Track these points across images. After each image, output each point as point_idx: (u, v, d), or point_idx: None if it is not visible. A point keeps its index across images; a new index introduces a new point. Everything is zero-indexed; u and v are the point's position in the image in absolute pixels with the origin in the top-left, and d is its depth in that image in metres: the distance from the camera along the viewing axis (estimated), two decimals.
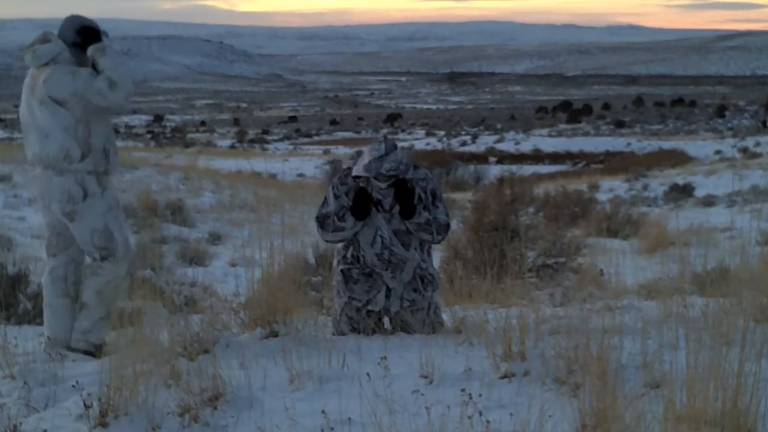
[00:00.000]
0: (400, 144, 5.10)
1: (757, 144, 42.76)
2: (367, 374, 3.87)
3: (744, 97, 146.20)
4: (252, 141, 73.70)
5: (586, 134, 68.63)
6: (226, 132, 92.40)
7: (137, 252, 5.18)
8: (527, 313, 4.51)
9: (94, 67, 4.67)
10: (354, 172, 4.90)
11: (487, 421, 3.18)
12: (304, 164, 40.47)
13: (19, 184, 14.54)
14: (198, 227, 13.16)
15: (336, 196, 4.96)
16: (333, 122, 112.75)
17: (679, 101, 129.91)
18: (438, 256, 8.81)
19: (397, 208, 4.90)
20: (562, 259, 8.26)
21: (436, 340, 4.65)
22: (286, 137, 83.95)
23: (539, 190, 15.47)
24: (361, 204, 4.87)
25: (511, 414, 3.32)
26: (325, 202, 4.99)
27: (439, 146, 58.05)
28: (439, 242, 5.08)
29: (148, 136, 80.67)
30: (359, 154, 5.05)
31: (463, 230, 8.68)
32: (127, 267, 4.84)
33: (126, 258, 4.80)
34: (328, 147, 59.60)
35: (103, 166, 4.73)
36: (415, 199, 4.90)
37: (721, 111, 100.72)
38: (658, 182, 27.11)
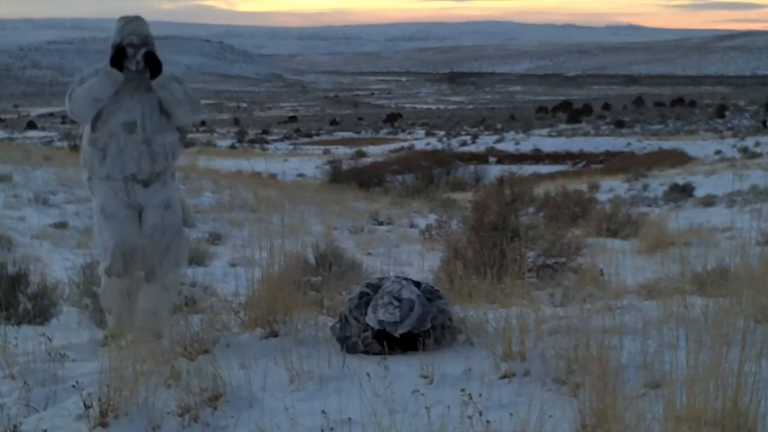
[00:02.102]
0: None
1: (757, 144, 42.74)
2: (367, 374, 3.87)
3: (744, 97, 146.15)
4: (252, 141, 73.70)
5: (586, 134, 68.60)
6: (226, 132, 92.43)
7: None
8: (527, 313, 4.51)
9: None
10: (367, 320, 4.61)
11: (487, 421, 3.18)
12: (304, 164, 40.52)
13: (19, 184, 14.54)
14: (198, 227, 13.15)
15: (356, 320, 4.73)
16: (333, 122, 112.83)
17: (679, 101, 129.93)
18: (438, 256, 8.82)
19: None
20: (562, 259, 8.25)
21: None
22: (286, 137, 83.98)
23: (539, 190, 15.45)
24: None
25: (511, 414, 3.32)
26: (347, 323, 4.73)
27: (439, 146, 58.01)
28: None
29: None
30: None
31: (463, 230, 8.68)
32: (105, 270, 5.00)
33: (104, 260, 5.01)
34: (328, 147, 59.61)
35: (98, 168, 4.94)
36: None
37: (721, 111, 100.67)
38: (658, 182, 27.12)
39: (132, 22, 4.97)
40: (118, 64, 4.88)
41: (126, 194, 4.97)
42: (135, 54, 4.91)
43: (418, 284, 4.81)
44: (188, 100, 5.00)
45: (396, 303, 4.55)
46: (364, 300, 4.69)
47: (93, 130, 4.95)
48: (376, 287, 4.73)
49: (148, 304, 5.05)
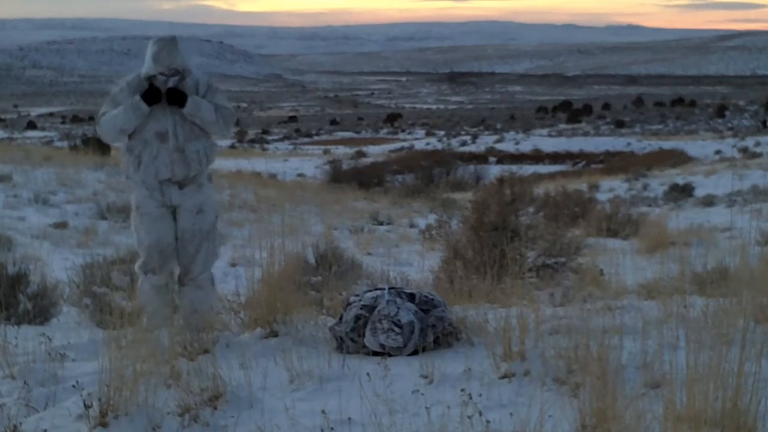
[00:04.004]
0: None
1: (757, 144, 42.72)
2: (367, 374, 3.88)
3: (744, 97, 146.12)
4: (252, 141, 73.68)
5: (586, 134, 68.58)
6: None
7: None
8: (527, 313, 4.51)
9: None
10: (367, 343, 4.60)
11: (487, 421, 3.19)
12: (304, 164, 40.48)
13: (19, 184, 14.53)
14: None
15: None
16: (333, 122, 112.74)
17: (679, 101, 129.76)
18: (438, 256, 8.82)
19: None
20: (562, 259, 8.24)
21: None
22: (286, 137, 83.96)
23: (539, 190, 15.46)
24: None
25: (511, 414, 3.32)
26: (343, 342, 4.72)
27: (439, 146, 57.96)
28: None
29: None
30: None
31: (463, 230, 8.67)
32: (140, 267, 5.19)
33: (140, 257, 5.19)
34: (328, 147, 59.59)
35: (133, 174, 5.13)
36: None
37: (721, 111, 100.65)
38: (658, 182, 27.11)
39: (164, 50, 5.02)
40: (150, 97, 4.99)
41: (161, 194, 5.13)
42: (166, 81, 5.04)
43: (412, 296, 4.78)
44: (218, 119, 5.12)
45: (397, 330, 4.55)
46: (361, 322, 4.67)
47: (128, 138, 5.12)
48: (370, 308, 4.70)
49: (186, 303, 5.19)
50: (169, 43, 5.06)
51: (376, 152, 51.91)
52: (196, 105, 5.04)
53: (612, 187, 26.97)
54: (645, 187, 26.47)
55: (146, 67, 5.06)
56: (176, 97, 5.02)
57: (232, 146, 63.87)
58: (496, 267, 6.10)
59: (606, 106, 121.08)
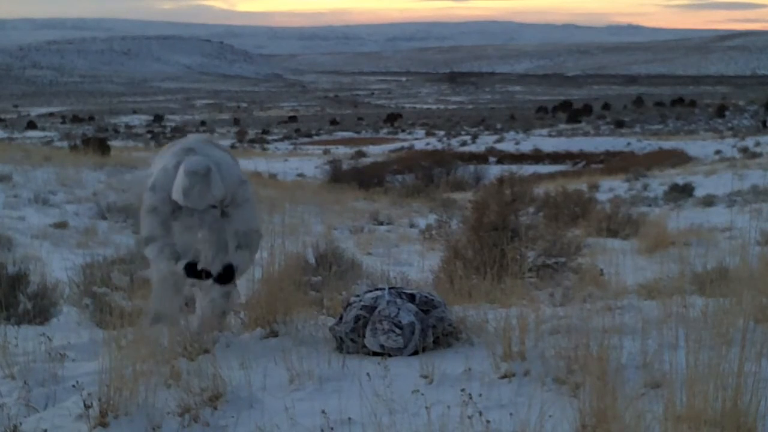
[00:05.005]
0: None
1: (757, 144, 42.74)
2: (367, 374, 3.88)
3: (744, 97, 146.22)
4: (252, 141, 73.77)
5: (586, 134, 68.63)
6: (226, 132, 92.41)
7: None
8: (527, 313, 4.51)
9: None
10: (367, 343, 4.60)
11: (487, 421, 3.19)
12: (304, 164, 40.48)
13: (19, 184, 14.52)
14: None
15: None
16: (333, 122, 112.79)
17: (679, 101, 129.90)
18: (438, 256, 8.82)
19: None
20: (562, 259, 8.23)
21: None
22: (286, 137, 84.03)
23: (539, 190, 15.43)
24: None
25: (511, 414, 3.32)
26: (342, 342, 4.70)
27: (439, 146, 57.94)
28: None
29: (148, 135, 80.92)
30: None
31: (463, 230, 8.67)
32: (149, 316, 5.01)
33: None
34: (328, 147, 59.64)
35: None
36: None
37: (721, 111, 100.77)
38: (658, 182, 27.10)
39: (195, 188, 4.59)
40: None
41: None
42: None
43: (412, 297, 4.78)
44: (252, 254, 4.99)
45: (398, 331, 4.54)
46: (361, 323, 4.66)
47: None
48: (371, 309, 4.69)
49: (198, 308, 5.08)
50: (203, 179, 4.59)
51: (376, 152, 51.90)
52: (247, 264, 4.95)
53: (612, 187, 26.96)
54: (645, 187, 26.46)
55: (177, 191, 4.64)
56: (226, 276, 4.88)
57: (232, 146, 63.94)
58: (496, 267, 6.10)
59: (606, 106, 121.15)
